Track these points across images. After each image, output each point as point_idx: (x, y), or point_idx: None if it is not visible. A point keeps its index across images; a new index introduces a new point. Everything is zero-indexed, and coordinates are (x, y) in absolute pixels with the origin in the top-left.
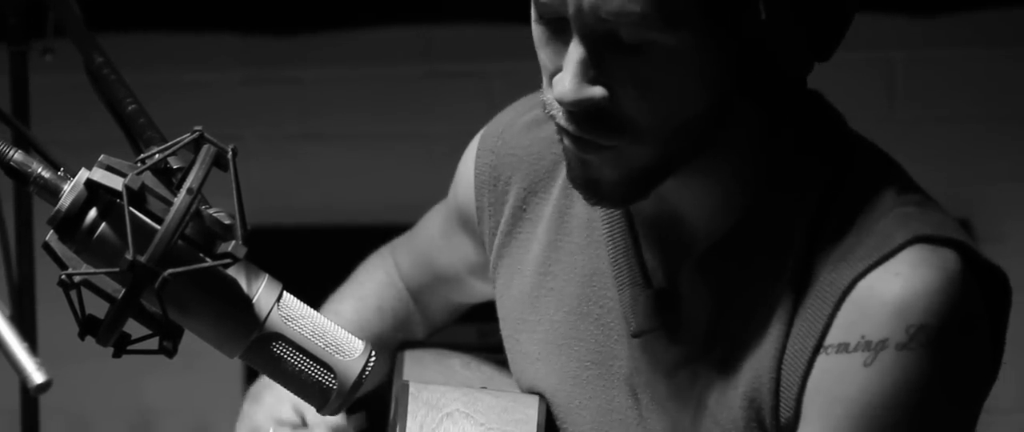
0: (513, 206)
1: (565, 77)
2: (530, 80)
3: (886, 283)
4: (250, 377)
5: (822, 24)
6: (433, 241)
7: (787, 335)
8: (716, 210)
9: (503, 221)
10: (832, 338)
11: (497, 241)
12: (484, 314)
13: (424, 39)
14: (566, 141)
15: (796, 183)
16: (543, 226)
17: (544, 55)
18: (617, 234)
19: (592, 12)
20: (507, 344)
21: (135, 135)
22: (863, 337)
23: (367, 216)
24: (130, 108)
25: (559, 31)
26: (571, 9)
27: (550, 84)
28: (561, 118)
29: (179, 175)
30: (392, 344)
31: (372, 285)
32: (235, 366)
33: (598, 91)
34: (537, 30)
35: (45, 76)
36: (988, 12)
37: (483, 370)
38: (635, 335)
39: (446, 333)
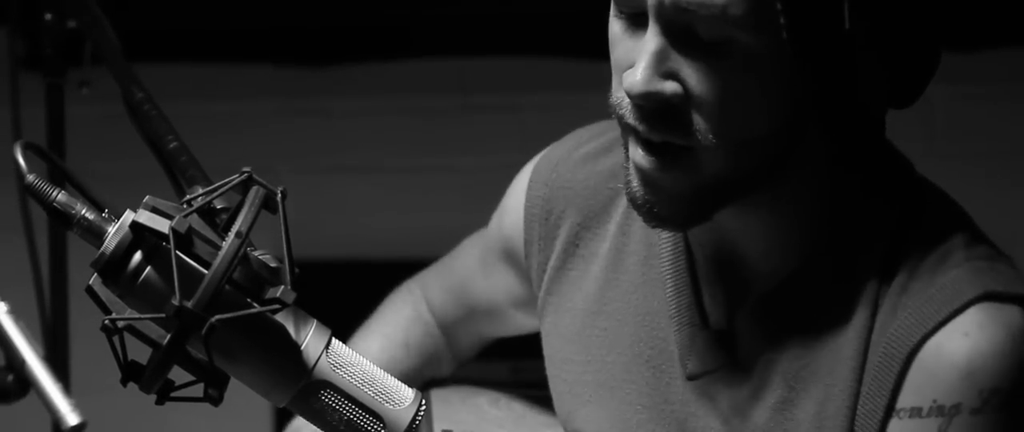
0: (566, 241)
1: (637, 68)
2: (563, 114)
3: (954, 344)
4: (279, 416)
5: (903, 60)
6: (469, 273)
7: (857, 392)
8: (778, 251)
9: (554, 256)
10: (904, 401)
11: (547, 277)
12: (517, 350)
13: (458, 72)
14: (634, 149)
15: (862, 229)
16: (598, 263)
17: (620, 50)
18: (677, 271)
19: (672, 4)
20: (553, 383)
21: (177, 173)
22: (935, 402)
23: (399, 250)
24: (172, 145)
25: (637, 25)
26: (650, 0)
27: (621, 82)
28: (629, 115)
29: (224, 216)
30: (419, 381)
31: (399, 321)
32: (264, 404)
33: (670, 86)
34: (614, 25)
35: (78, 106)
36: None
37: (513, 408)
38: (691, 377)
39: (478, 369)
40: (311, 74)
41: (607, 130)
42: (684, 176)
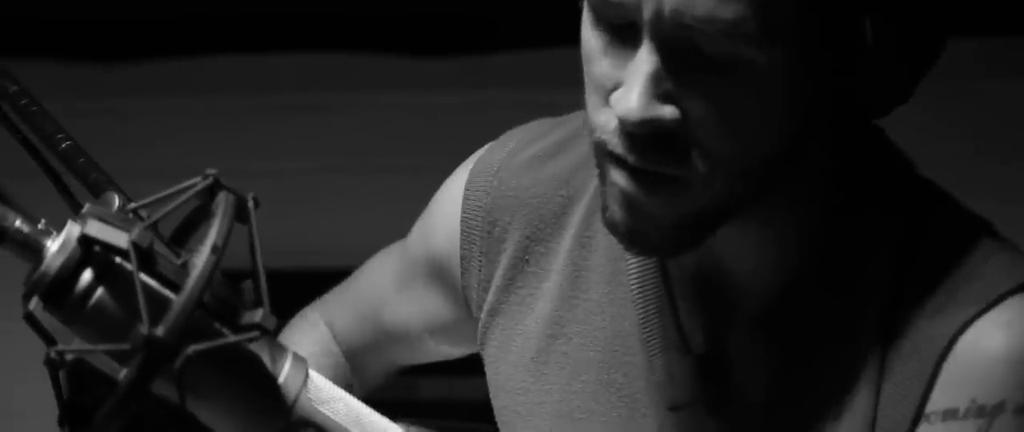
0: (513, 256)
1: (630, 92)
2: (379, 114)
3: (993, 336)
4: None
5: (916, 54)
6: (383, 295)
7: (876, 402)
8: (770, 265)
9: (499, 274)
10: (935, 403)
11: (491, 297)
12: (452, 365)
13: (264, 69)
14: (616, 173)
15: (864, 240)
16: (552, 280)
17: (598, 68)
18: (648, 290)
19: (674, 17)
20: (501, 414)
21: (69, 178)
22: (974, 401)
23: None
24: (65, 146)
25: (624, 39)
26: (647, 12)
27: (605, 102)
28: (616, 143)
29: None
30: None
31: None
32: None
33: (669, 110)
34: (593, 37)
35: None
36: None
37: None
38: (673, 408)
39: (410, 388)
40: (102, 72)
41: (550, 130)
42: (674, 202)
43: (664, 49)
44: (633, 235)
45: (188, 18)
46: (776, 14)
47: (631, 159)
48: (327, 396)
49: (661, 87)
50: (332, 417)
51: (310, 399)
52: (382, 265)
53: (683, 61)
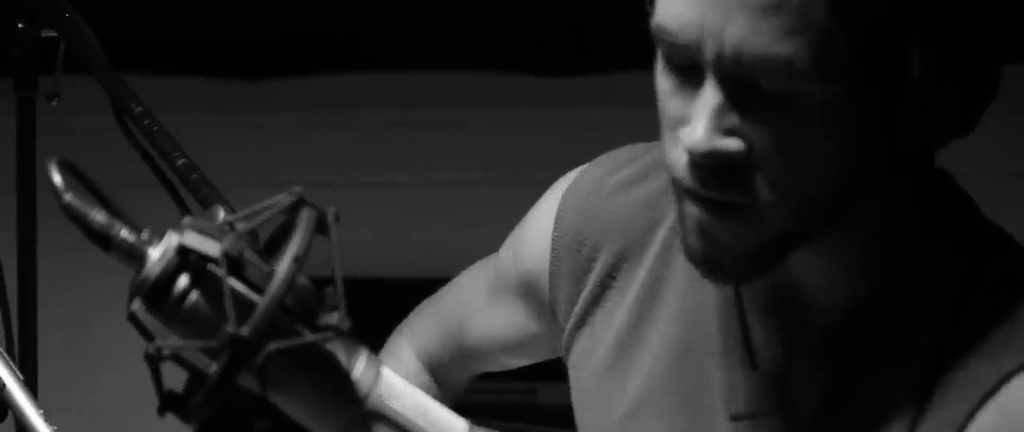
0: (601, 274)
1: (697, 126)
2: (506, 129)
3: None
4: None
5: (975, 88)
6: (472, 309)
7: None
8: (839, 287)
9: (588, 290)
10: None
11: (578, 310)
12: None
13: (398, 86)
14: (689, 206)
15: (928, 269)
16: (632, 294)
17: (671, 107)
18: (721, 307)
19: (734, 56)
20: (579, 417)
21: (184, 192)
22: None
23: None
24: (180, 162)
25: (692, 79)
26: (709, 54)
27: (676, 136)
28: (686, 177)
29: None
30: None
31: None
32: None
33: (733, 143)
34: (663, 80)
35: (43, 119)
36: None
37: None
38: (735, 418)
39: (529, 393)
40: (245, 87)
41: (638, 156)
42: (745, 231)
43: (726, 85)
44: (709, 263)
45: (324, 37)
46: (829, 50)
47: (700, 189)
48: (398, 392)
49: (725, 121)
50: (401, 411)
51: (381, 394)
52: (473, 280)
53: (745, 96)
